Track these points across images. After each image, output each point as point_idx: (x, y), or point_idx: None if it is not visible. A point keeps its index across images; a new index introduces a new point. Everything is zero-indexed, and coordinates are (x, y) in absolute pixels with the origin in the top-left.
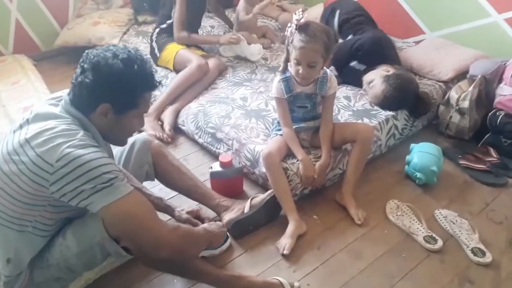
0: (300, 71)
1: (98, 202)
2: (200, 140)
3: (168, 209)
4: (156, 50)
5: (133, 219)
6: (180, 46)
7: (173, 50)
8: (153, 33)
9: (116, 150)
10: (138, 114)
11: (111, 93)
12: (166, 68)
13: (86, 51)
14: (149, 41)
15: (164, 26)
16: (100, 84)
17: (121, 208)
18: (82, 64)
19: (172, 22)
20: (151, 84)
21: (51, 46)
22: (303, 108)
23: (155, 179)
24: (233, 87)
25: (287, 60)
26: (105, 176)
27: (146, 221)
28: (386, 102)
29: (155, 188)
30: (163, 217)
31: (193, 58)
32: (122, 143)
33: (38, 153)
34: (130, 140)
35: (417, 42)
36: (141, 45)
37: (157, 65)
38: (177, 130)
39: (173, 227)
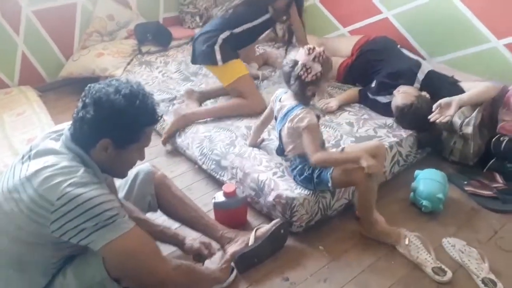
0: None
1: (99, 240)
2: (204, 167)
3: (176, 239)
4: (219, 58)
5: (134, 257)
6: (245, 70)
7: (238, 70)
8: (214, 36)
9: (119, 181)
10: (139, 148)
11: (112, 128)
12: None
13: (89, 85)
14: (204, 41)
15: (227, 34)
16: (101, 120)
17: (123, 245)
18: (83, 98)
19: (239, 32)
20: (153, 119)
21: (56, 77)
22: None
23: (158, 211)
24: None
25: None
26: (106, 214)
27: (148, 259)
28: (399, 114)
29: (159, 219)
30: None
31: (255, 94)
32: (122, 175)
33: (39, 191)
34: (134, 171)
35: None
36: (144, 74)
37: (207, 67)
38: (178, 155)
39: (176, 265)
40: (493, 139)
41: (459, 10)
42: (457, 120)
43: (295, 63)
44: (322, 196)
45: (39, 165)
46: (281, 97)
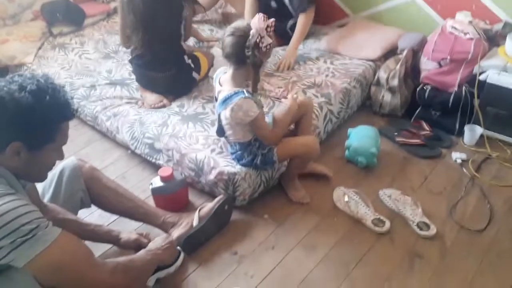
0: None
1: (21, 258)
2: (138, 151)
3: (110, 236)
4: None
5: (64, 269)
6: None
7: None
8: None
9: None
10: (55, 147)
11: (22, 130)
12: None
13: None
14: None
15: None
16: (7, 122)
17: (48, 259)
18: None
19: None
20: (67, 114)
21: None
22: None
23: (92, 205)
24: None
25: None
26: (24, 229)
27: (79, 269)
28: None
29: (94, 213)
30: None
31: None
32: (41, 179)
33: None
34: (58, 168)
35: (342, 26)
36: (59, 58)
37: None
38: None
39: (112, 266)
40: (418, 89)
41: None
42: (383, 75)
43: (247, 30)
44: (264, 168)
45: None
46: (219, 78)
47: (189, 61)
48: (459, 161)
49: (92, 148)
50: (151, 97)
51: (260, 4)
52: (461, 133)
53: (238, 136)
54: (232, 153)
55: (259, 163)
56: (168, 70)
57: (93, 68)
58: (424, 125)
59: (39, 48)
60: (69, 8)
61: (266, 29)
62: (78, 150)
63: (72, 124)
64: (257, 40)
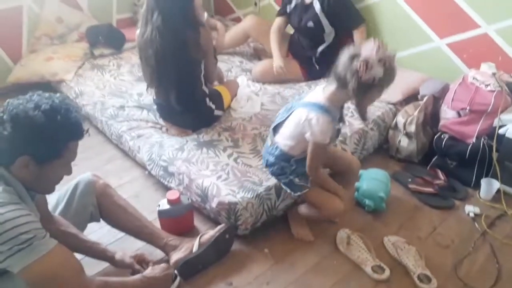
0: None
1: (16, 264)
2: (153, 173)
3: (105, 255)
4: None
5: (54, 280)
6: None
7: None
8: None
9: (58, 192)
10: (63, 163)
11: (31, 145)
12: None
13: (8, 100)
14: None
15: None
16: (18, 137)
17: (40, 269)
18: (1, 114)
19: None
20: (76, 133)
21: (4, 83)
22: None
23: (102, 220)
24: None
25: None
26: (21, 237)
27: (68, 281)
28: None
29: (103, 228)
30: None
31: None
32: (49, 191)
33: None
34: (74, 181)
35: None
36: (95, 78)
37: None
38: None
39: (99, 285)
40: (435, 137)
41: (405, 11)
42: (400, 119)
43: (356, 55)
44: (267, 197)
45: None
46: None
47: (210, 103)
48: (471, 214)
49: (114, 165)
50: (174, 131)
51: (293, 24)
52: (477, 185)
53: (290, 143)
54: (268, 152)
55: (284, 182)
56: (188, 115)
57: (125, 90)
58: (440, 174)
59: (79, 67)
60: (111, 32)
61: (379, 60)
62: (101, 166)
63: (99, 141)
64: (362, 67)
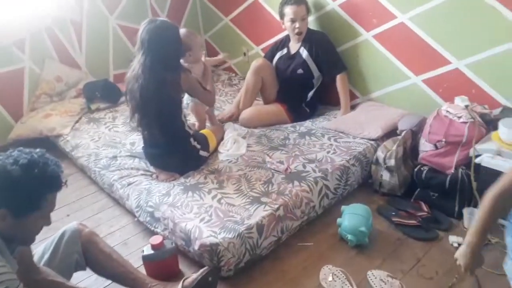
0: None
1: None
2: (141, 219)
3: None
4: None
5: None
6: None
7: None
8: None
9: (44, 242)
10: (42, 215)
11: (7, 199)
12: None
13: None
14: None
15: None
16: None
17: None
18: None
19: None
20: (53, 186)
21: (5, 140)
22: None
23: (87, 268)
24: None
25: None
26: None
27: None
28: None
29: (91, 277)
30: None
31: None
32: (29, 242)
33: None
34: (61, 230)
35: (353, 107)
36: (91, 131)
37: None
38: (120, 208)
39: None
40: (415, 169)
41: (381, 52)
42: (380, 154)
43: None
44: (248, 236)
45: None
46: None
47: (195, 143)
48: (455, 244)
49: (105, 214)
50: (163, 176)
51: (280, 72)
52: (461, 215)
53: None
54: None
55: None
56: (174, 156)
57: (119, 140)
58: (423, 206)
59: (76, 122)
60: (107, 87)
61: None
62: (92, 215)
63: (91, 191)
64: None
